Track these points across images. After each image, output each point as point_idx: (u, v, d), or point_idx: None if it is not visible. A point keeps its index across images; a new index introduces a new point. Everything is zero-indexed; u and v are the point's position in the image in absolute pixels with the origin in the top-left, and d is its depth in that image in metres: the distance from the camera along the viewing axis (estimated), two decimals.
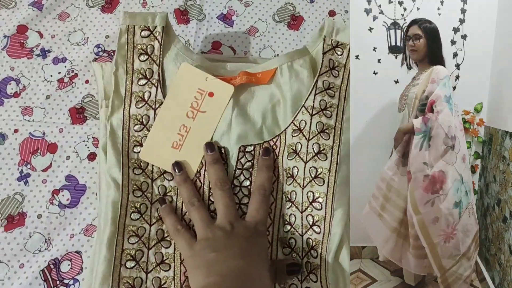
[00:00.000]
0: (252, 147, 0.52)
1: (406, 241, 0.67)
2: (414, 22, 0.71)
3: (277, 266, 0.49)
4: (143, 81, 0.52)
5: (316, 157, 0.51)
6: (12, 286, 0.53)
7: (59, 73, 0.62)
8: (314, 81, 0.53)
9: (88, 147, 0.59)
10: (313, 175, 0.51)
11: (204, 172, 0.51)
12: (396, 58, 0.77)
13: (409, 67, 0.74)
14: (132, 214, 0.49)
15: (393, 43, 0.76)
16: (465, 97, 0.73)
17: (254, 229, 0.48)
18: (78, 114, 0.61)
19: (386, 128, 0.74)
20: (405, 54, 0.73)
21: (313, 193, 0.51)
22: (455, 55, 0.75)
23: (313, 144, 0.51)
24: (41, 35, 0.63)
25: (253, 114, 0.54)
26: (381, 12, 0.75)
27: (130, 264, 0.48)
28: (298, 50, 0.57)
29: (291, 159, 0.52)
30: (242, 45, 0.68)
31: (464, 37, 0.75)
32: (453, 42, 0.75)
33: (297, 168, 0.51)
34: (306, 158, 0.51)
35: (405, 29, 0.74)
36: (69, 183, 0.58)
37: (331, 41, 0.54)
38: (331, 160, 0.51)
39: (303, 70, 0.54)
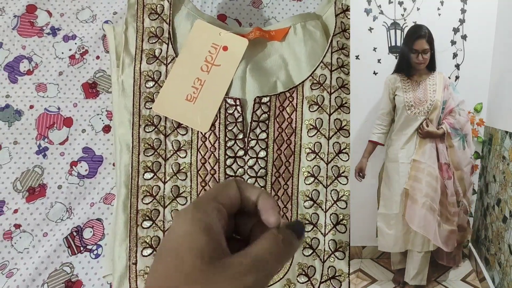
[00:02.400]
0: (268, 98, 0.54)
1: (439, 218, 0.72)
2: (421, 36, 0.74)
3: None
4: (153, 39, 0.55)
5: (339, 110, 0.55)
6: (37, 254, 0.55)
7: (70, 50, 0.65)
8: (330, 41, 0.57)
9: (102, 120, 0.62)
10: (338, 127, 0.54)
11: (219, 125, 0.53)
12: (396, 58, 0.78)
13: (412, 74, 0.76)
14: (144, 174, 0.52)
15: (393, 43, 0.78)
16: (465, 97, 0.74)
17: None
18: (91, 89, 0.63)
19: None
20: (406, 66, 0.75)
21: (339, 144, 0.54)
22: (455, 55, 0.76)
23: (336, 97, 0.56)
24: (50, 14, 0.66)
25: (267, 69, 0.57)
26: (381, 12, 0.76)
27: (146, 224, 0.51)
28: (308, 13, 0.62)
29: (313, 111, 0.55)
30: (247, 17, 0.70)
31: (464, 37, 0.77)
32: (453, 42, 0.76)
33: (321, 119, 0.54)
34: (330, 110, 0.54)
35: (405, 38, 0.76)
36: (86, 155, 0.60)
37: (342, 4, 0.58)
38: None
39: (316, 30, 0.58)
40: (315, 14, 0.61)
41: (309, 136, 0.54)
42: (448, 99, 0.73)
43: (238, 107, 0.54)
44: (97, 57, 0.65)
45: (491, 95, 0.75)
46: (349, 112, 0.55)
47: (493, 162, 0.72)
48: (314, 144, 0.54)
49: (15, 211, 0.57)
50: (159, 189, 0.52)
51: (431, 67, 0.75)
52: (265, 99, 0.54)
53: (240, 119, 0.54)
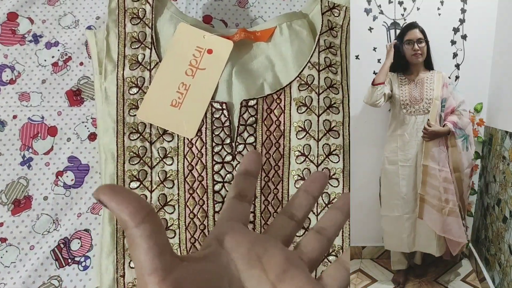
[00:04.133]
0: (255, 101, 0.53)
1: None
2: (412, 26, 0.75)
3: None
4: (136, 44, 0.54)
5: (328, 111, 0.54)
6: (24, 268, 0.55)
7: (53, 57, 0.64)
8: (316, 39, 0.57)
9: (87, 128, 0.61)
10: (327, 128, 0.53)
11: (206, 131, 0.52)
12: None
13: (409, 72, 0.76)
14: (130, 183, 0.51)
15: None
16: (465, 97, 0.75)
17: None
18: (75, 96, 0.63)
19: (386, 128, 0.78)
20: (402, 62, 0.75)
21: (329, 146, 0.53)
22: (455, 55, 0.78)
23: (324, 98, 0.55)
24: (31, 21, 0.66)
25: (253, 71, 0.56)
26: (381, 12, 0.77)
27: None
28: (294, 12, 0.61)
29: (301, 113, 0.54)
30: (233, 17, 0.70)
31: (464, 37, 0.78)
32: (453, 42, 0.78)
33: (310, 121, 0.54)
34: (319, 111, 0.53)
35: (398, 33, 0.76)
36: (72, 164, 0.59)
37: (328, 2, 0.57)
38: (343, 113, 0.55)
39: (302, 30, 0.57)
40: (301, 13, 0.60)
41: (298, 139, 0.53)
42: (448, 98, 0.73)
43: (225, 111, 0.53)
44: (81, 64, 0.64)
45: (491, 95, 0.76)
46: (338, 113, 0.55)
47: (493, 162, 0.73)
48: (304, 147, 0.53)
49: (1, 224, 0.57)
50: (146, 198, 0.51)
51: (428, 64, 0.75)
52: (252, 102, 0.54)
53: (227, 124, 0.53)
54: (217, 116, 0.53)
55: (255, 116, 0.54)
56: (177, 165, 0.52)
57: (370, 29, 0.77)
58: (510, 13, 0.71)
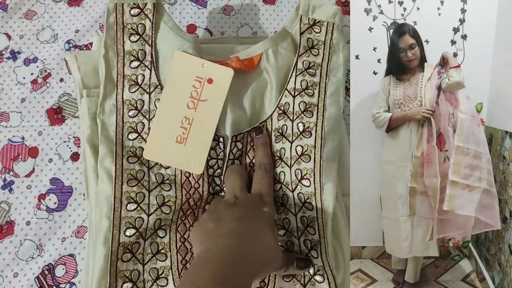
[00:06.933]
0: (242, 134, 0.55)
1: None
2: (402, 32, 0.76)
3: (287, 258, 0.51)
4: (135, 63, 0.54)
5: (301, 136, 0.55)
6: None
7: (32, 74, 0.63)
8: (294, 63, 0.57)
9: (70, 148, 0.60)
10: (299, 153, 0.54)
11: (215, 164, 0.53)
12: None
13: (405, 73, 0.78)
14: (128, 205, 0.51)
15: None
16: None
17: (259, 199, 0.50)
18: (56, 115, 0.61)
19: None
20: (396, 66, 0.77)
21: (300, 170, 0.54)
22: (455, 55, 0.78)
23: (298, 123, 0.56)
24: (9, 37, 0.64)
25: (244, 100, 0.58)
26: (381, 12, 0.77)
27: (126, 257, 0.50)
28: (279, 33, 0.60)
29: (278, 142, 0.56)
30: (218, 26, 0.68)
31: (464, 37, 0.78)
32: (453, 42, 0.78)
33: (284, 149, 0.55)
34: (292, 138, 0.54)
35: (390, 40, 0.78)
36: (55, 186, 0.59)
37: (308, 19, 0.56)
38: (315, 136, 0.55)
39: (288, 53, 0.58)
40: (285, 31, 0.58)
41: (275, 167, 0.55)
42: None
43: (221, 144, 0.55)
44: (61, 80, 0.63)
45: (491, 95, 0.76)
46: (310, 136, 0.54)
47: (493, 162, 0.73)
48: (279, 174, 0.54)
49: None
50: (143, 222, 0.51)
51: (422, 62, 0.76)
52: (240, 137, 0.55)
53: (221, 156, 0.55)
54: (213, 146, 0.54)
55: (242, 149, 0.55)
56: (175, 192, 0.53)
57: (370, 29, 0.77)
58: (510, 13, 0.72)
